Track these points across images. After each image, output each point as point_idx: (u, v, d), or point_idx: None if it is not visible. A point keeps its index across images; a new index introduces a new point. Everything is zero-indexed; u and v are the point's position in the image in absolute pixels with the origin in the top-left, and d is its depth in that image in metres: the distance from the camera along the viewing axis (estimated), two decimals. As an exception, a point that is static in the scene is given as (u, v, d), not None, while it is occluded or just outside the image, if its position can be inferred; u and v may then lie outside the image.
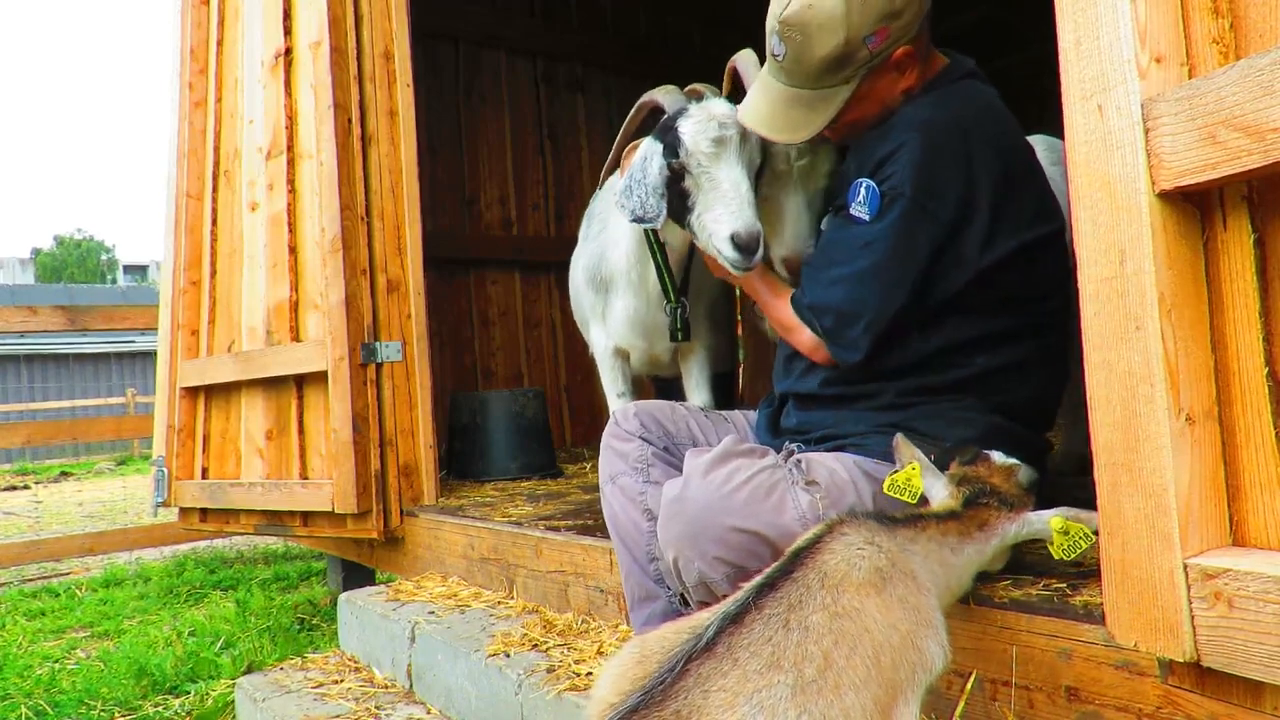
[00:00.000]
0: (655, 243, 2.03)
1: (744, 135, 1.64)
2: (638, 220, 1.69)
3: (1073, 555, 1.20)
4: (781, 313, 1.64)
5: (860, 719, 0.93)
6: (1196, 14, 0.99)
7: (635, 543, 1.64)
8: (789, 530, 1.34)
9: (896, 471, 1.31)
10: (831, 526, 1.09)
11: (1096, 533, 1.16)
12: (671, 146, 1.66)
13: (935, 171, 1.42)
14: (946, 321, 1.51)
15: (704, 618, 1.01)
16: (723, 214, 1.57)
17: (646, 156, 1.70)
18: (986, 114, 1.52)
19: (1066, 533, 1.19)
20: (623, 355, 2.42)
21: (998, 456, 1.31)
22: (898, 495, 1.28)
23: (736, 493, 1.36)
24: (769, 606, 0.98)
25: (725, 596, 1.38)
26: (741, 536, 1.34)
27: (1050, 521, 1.20)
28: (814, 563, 1.03)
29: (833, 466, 1.45)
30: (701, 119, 1.63)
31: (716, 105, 1.68)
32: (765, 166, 1.71)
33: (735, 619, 0.97)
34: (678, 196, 1.68)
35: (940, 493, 1.27)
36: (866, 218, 1.46)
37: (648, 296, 2.18)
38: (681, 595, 1.57)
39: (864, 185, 1.47)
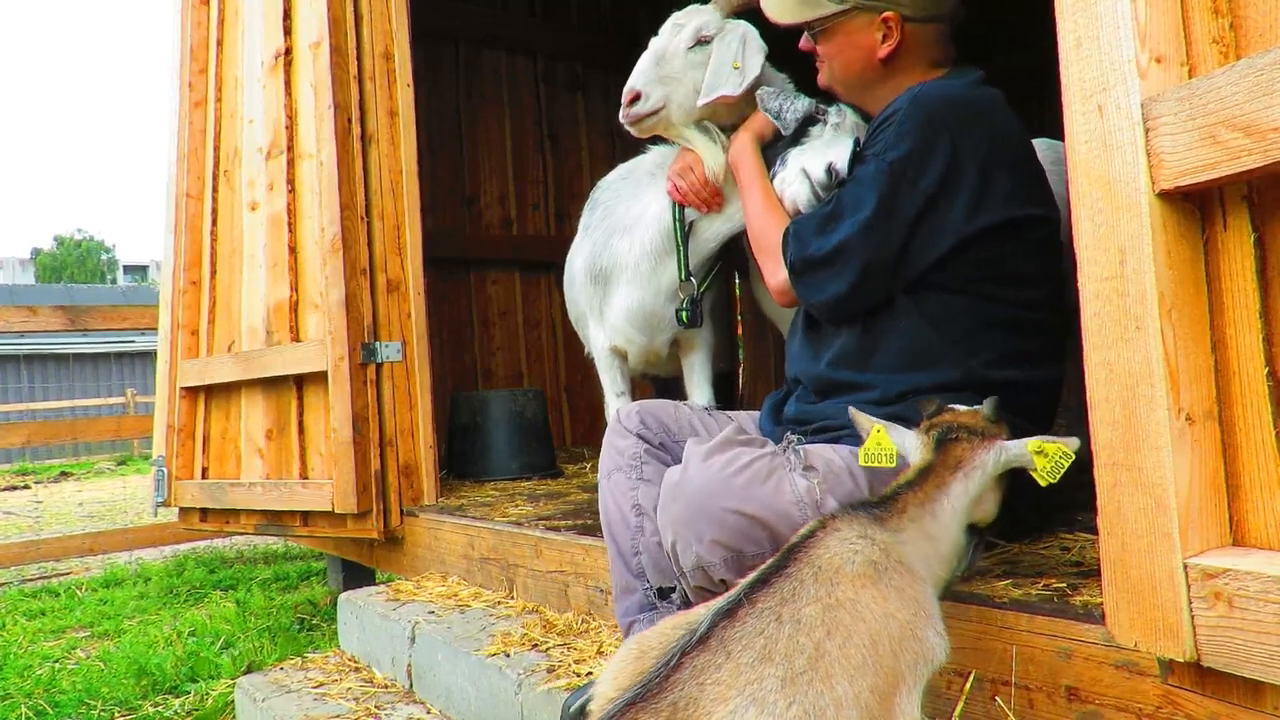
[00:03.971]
0: (682, 227, 2.16)
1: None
2: (774, 116, 1.86)
3: (1056, 477, 1.15)
4: (769, 230, 1.72)
5: (854, 706, 0.93)
6: (1196, 14, 0.99)
7: (621, 536, 1.69)
8: (786, 514, 1.36)
9: (864, 442, 1.29)
10: (825, 522, 1.10)
11: (1076, 453, 1.14)
12: (823, 105, 1.87)
13: (921, 138, 1.49)
14: (935, 305, 1.54)
15: (699, 613, 1.02)
16: (830, 152, 1.73)
17: (799, 100, 1.89)
18: (982, 97, 1.59)
19: (1044, 453, 1.15)
20: (621, 354, 2.41)
21: (962, 407, 1.28)
22: (875, 464, 1.26)
23: (735, 477, 1.37)
24: (761, 601, 1.00)
25: (723, 583, 1.38)
26: (739, 519, 1.35)
27: (1027, 444, 1.17)
28: (808, 558, 1.04)
29: (829, 456, 1.46)
30: (847, 117, 1.90)
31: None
32: None
33: (728, 613, 0.98)
34: (793, 136, 1.85)
35: (914, 445, 1.25)
36: (855, 177, 1.57)
37: (658, 287, 2.19)
38: (658, 589, 1.62)
39: (858, 150, 1.63)
